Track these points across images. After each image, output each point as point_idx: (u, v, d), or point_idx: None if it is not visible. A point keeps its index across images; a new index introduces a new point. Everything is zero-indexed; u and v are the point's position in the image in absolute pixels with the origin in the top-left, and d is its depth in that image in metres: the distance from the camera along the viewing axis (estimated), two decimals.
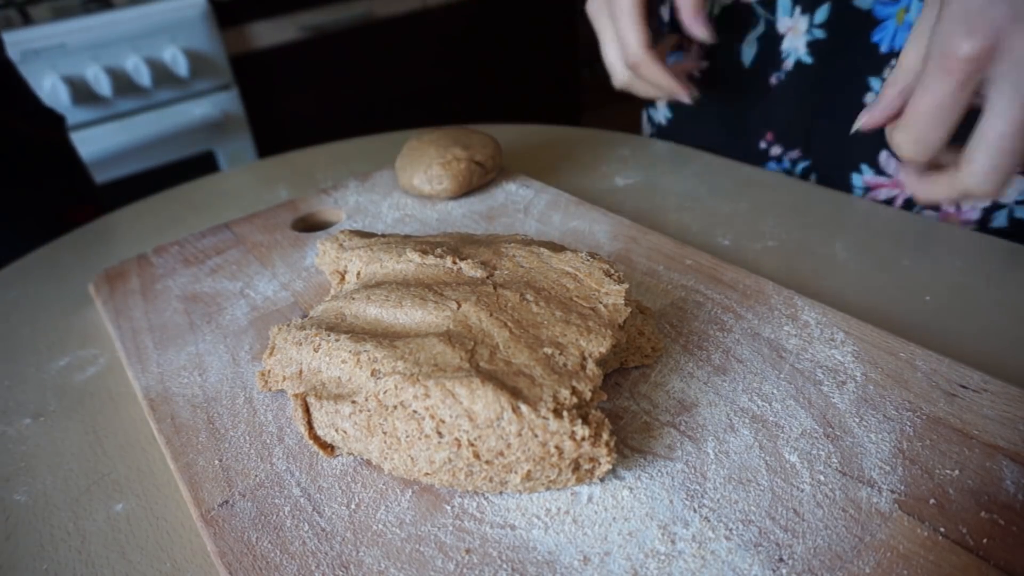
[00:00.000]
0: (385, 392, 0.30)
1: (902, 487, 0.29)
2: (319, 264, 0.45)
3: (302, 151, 0.80)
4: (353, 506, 0.31)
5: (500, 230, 0.53)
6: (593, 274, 0.36)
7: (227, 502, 0.32)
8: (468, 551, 0.28)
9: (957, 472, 0.29)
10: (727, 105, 0.66)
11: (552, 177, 0.64)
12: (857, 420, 0.32)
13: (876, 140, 0.54)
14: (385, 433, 0.30)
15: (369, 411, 0.30)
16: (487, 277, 0.37)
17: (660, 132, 0.75)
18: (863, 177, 0.57)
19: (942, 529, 0.27)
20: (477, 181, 0.58)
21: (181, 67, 1.33)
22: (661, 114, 0.74)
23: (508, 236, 0.42)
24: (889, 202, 0.56)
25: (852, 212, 0.54)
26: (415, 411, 0.30)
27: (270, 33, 1.53)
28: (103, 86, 1.25)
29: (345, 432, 0.31)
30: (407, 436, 0.30)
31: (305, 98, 1.66)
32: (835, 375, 0.35)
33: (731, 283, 0.43)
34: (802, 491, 0.29)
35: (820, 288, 0.45)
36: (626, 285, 0.35)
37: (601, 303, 0.34)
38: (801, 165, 0.62)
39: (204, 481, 0.33)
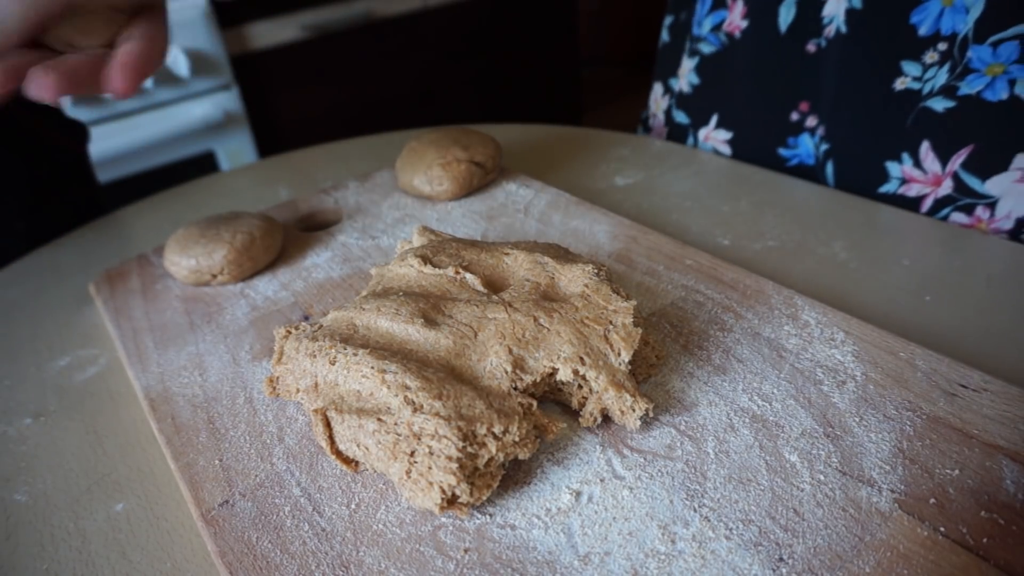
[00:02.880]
0: (423, 430, 0.30)
1: (902, 487, 0.29)
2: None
3: (302, 151, 0.80)
4: (353, 506, 0.31)
5: (500, 230, 0.53)
6: (601, 290, 0.36)
7: (227, 502, 0.32)
8: (467, 551, 0.28)
9: (957, 472, 0.29)
10: (758, 71, 0.63)
11: (552, 177, 0.64)
12: (857, 420, 0.32)
13: (922, 128, 0.51)
14: (411, 462, 0.30)
15: (399, 435, 0.30)
16: (495, 293, 0.37)
17: (680, 101, 0.71)
18: (902, 167, 0.53)
19: (942, 528, 0.27)
20: (477, 182, 0.58)
21: (181, 67, 1.33)
22: (685, 81, 0.70)
23: (510, 243, 0.42)
24: (918, 200, 0.53)
25: (852, 212, 0.54)
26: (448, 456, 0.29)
27: (270, 33, 1.53)
28: None
29: (367, 449, 0.31)
30: (430, 469, 0.29)
31: (305, 98, 1.66)
32: (835, 375, 0.35)
33: (731, 283, 0.43)
34: (802, 491, 0.29)
35: (820, 288, 0.45)
36: (634, 302, 0.35)
37: (612, 323, 0.34)
38: (823, 147, 0.59)
39: (204, 481, 0.33)
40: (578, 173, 0.65)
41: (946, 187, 0.51)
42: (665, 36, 0.75)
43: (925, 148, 0.52)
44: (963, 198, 0.50)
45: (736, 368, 0.36)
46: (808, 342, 0.37)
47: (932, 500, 0.28)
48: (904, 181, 0.53)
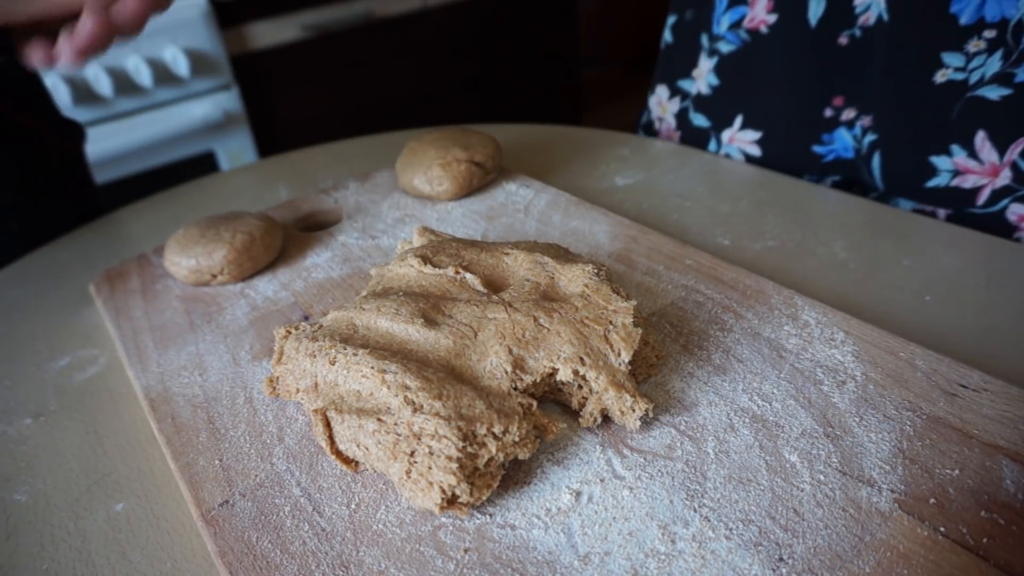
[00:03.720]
0: (423, 430, 0.30)
1: (902, 487, 0.29)
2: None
3: (302, 151, 0.80)
4: (353, 506, 0.31)
5: (500, 230, 0.53)
6: (601, 290, 0.36)
7: (227, 502, 0.32)
8: (467, 551, 0.28)
9: (957, 472, 0.29)
10: (787, 68, 0.61)
11: (552, 177, 0.64)
12: (857, 420, 0.32)
13: (974, 118, 0.50)
14: (410, 462, 0.30)
15: (398, 435, 0.30)
16: (495, 293, 0.37)
17: (699, 103, 0.69)
18: (953, 160, 0.52)
19: (942, 528, 0.27)
20: (477, 182, 0.58)
21: (181, 67, 1.33)
22: (704, 82, 0.68)
23: (510, 243, 0.42)
24: (974, 192, 0.51)
25: (852, 212, 0.54)
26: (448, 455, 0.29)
27: (270, 33, 1.53)
28: (104, 86, 1.25)
29: (367, 449, 0.31)
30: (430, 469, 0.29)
31: (305, 98, 1.66)
32: (835, 375, 0.35)
33: (731, 283, 0.43)
34: (802, 491, 0.29)
35: (820, 288, 0.45)
36: (634, 302, 0.35)
37: (612, 324, 0.34)
38: (869, 138, 0.57)
39: (204, 481, 0.33)
40: (578, 173, 0.65)
41: (1004, 177, 0.50)
42: (668, 37, 0.73)
43: (981, 138, 0.50)
44: (1022, 188, 0.49)
45: (736, 368, 0.36)
46: (808, 342, 0.37)
47: (932, 500, 0.28)
48: (957, 173, 0.52)
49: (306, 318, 0.45)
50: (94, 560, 0.32)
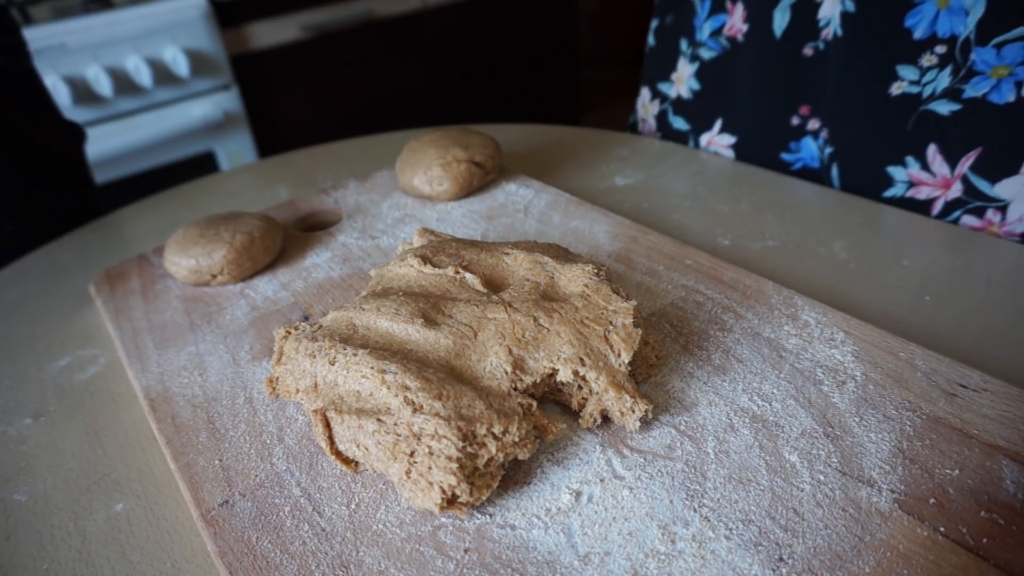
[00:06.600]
0: (423, 430, 0.30)
1: (902, 487, 0.29)
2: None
3: (302, 151, 0.80)
4: (353, 506, 0.31)
5: (500, 230, 0.53)
6: (601, 290, 0.36)
7: (227, 502, 0.32)
8: (467, 551, 0.28)
9: (957, 472, 0.29)
10: (757, 76, 0.62)
11: (552, 177, 0.64)
12: (857, 420, 0.32)
13: (926, 131, 0.51)
14: (410, 462, 0.30)
15: (398, 436, 0.30)
16: (495, 293, 0.37)
17: (679, 106, 0.71)
18: (907, 171, 0.53)
19: (942, 529, 0.27)
20: (477, 182, 0.58)
21: (181, 67, 1.33)
22: (685, 86, 0.69)
23: (510, 243, 0.42)
24: (928, 203, 0.52)
25: (852, 212, 0.54)
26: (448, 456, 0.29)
27: (270, 33, 1.53)
28: (103, 86, 1.25)
29: (367, 449, 0.31)
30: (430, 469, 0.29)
31: (305, 98, 1.66)
32: (835, 375, 0.35)
33: (731, 283, 0.43)
34: (802, 491, 0.29)
35: (820, 288, 0.45)
36: (634, 302, 0.35)
37: (612, 324, 0.34)
38: (828, 150, 0.58)
39: (204, 481, 0.33)
40: (578, 173, 0.65)
41: (956, 190, 0.50)
42: (651, 40, 0.74)
43: (932, 151, 0.51)
44: (973, 201, 0.50)
45: (736, 368, 0.36)
46: (808, 342, 0.37)
47: (932, 500, 0.28)
48: (912, 184, 0.53)
49: (306, 318, 0.45)
50: (94, 560, 0.32)
